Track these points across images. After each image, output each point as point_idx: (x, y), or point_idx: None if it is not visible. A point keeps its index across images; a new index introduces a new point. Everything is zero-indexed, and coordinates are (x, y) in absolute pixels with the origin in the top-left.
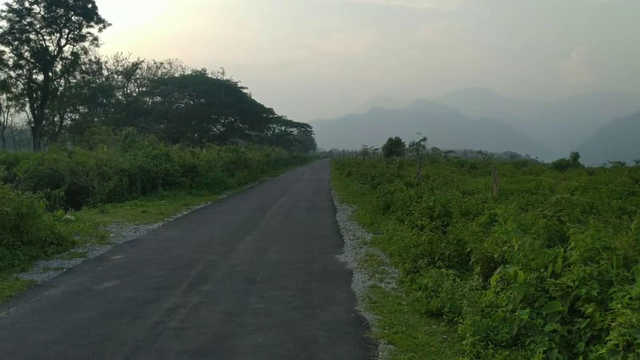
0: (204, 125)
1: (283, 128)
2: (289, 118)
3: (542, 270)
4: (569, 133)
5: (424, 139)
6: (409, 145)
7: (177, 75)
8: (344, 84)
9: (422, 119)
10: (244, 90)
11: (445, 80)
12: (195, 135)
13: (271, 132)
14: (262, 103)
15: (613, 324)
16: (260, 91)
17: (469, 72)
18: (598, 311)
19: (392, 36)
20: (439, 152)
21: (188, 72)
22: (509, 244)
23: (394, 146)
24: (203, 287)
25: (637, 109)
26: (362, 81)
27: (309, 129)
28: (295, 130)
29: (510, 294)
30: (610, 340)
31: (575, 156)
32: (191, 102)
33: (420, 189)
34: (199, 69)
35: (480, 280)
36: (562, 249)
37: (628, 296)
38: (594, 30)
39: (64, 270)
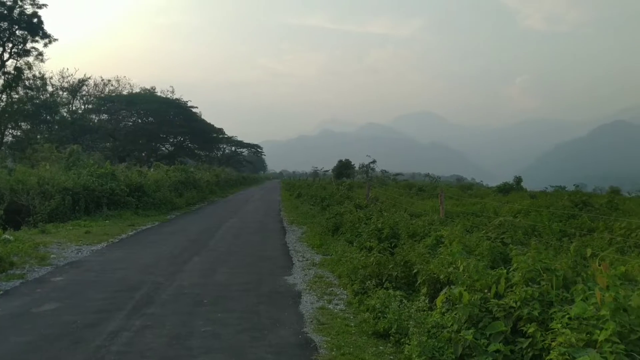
0: (153, 144)
1: (233, 148)
2: (239, 138)
3: (486, 291)
4: (512, 158)
5: (373, 162)
6: (359, 168)
7: (125, 93)
8: (295, 106)
9: (371, 142)
10: (194, 110)
11: (395, 104)
12: (143, 154)
13: (221, 153)
14: (212, 123)
15: (553, 344)
16: (211, 111)
17: (417, 96)
18: (539, 331)
19: (342, 60)
20: (388, 175)
21: (137, 90)
22: (454, 265)
23: (344, 168)
24: (148, 310)
25: (575, 135)
26: (313, 103)
27: (260, 150)
28: (245, 151)
29: (456, 314)
30: (551, 359)
31: (519, 180)
32: (139, 121)
33: (369, 211)
34: (148, 87)
35: (427, 301)
36: (505, 271)
37: (567, 316)
38: (536, 60)
39: (1, 292)
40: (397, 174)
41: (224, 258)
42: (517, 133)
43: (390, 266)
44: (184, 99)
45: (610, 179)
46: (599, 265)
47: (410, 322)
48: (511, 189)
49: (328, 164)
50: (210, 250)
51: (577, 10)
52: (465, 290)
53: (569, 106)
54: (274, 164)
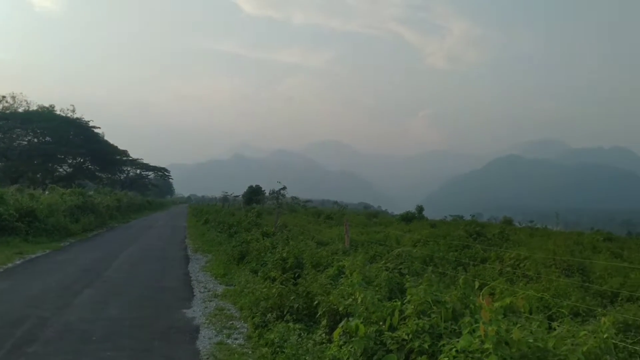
0: (49, 165)
1: (138, 171)
2: (145, 161)
3: (381, 323)
4: (416, 187)
5: (284, 188)
6: (269, 194)
7: (20, 110)
8: (206, 130)
9: (282, 168)
10: (97, 130)
11: (306, 132)
12: (38, 175)
13: (125, 175)
14: (117, 144)
15: None
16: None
17: (327, 125)
18: None
19: (255, 86)
20: (298, 202)
21: (34, 107)
22: (353, 297)
23: (254, 194)
24: (29, 349)
25: (472, 167)
26: (224, 128)
27: (167, 173)
28: (151, 174)
29: (352, 347)
30: None
31: (420, 209)
32: (35, 140)
33: (275, 239)
34: (47, 105)
35: (327, 333)
36: (400, 303)
37: (454, 349)
38: (438, 95)
39: None
40: (307, 201)
41: (118, 290)
42: (420, 164)
43: (292, 297)
44: (86, 118)
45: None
46: (483, 299)
47: (307, 357)
48: (413, 217)
49: (239, 190)
50: (105, 281)
51: (474, 52)
52: (361, 322)
53: (468, 140)
54: (182, 188)
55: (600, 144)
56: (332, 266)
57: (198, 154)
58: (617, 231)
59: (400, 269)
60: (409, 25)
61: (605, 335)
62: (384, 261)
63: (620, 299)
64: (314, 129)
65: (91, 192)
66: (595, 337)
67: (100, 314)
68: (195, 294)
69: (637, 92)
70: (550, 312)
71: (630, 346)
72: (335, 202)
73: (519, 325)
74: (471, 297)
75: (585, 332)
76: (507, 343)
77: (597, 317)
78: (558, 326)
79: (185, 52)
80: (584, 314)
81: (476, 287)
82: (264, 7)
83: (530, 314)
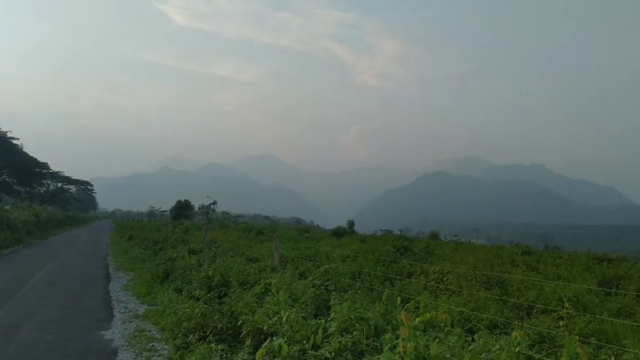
0: None
1: (59, 185)
2: (67, 174)
3: (304, 342)
4: (348, 201)
5: (214, 203)
6: (199, 209)
7: None
8: (133, 142)
9: (213, 182)
10: (15, 141)
11: (238, 146)
12: None
13: (45, 189)
14: (36, 156)
15: None
16: (38, 143)
17: (260, 139)
18: None
19: (186, 98)
20: (229, 216)
21: None
22: (279, 316)
23: (182, 209)
24: None
25: (402, 183)
26: (153, 140)
27: (90, 187)
28: (73, 188)
29: None
30: None
31: (351, 224)
32: None
33: (202, 257)
34: None
35: (249, 354)
36: (324, 320)
37: None
38: (369, 111)
39: None
40: (238, 216)
41: (33, 311)
42: (353, 178)
43: (216, 317)
44: (4, 128)
45: (431, 224)
46: (403, 315)
47: None
48: (344, 232)
49: (166, 204)
50: (18, 301)
51: (404, 70)
52: (285, 342)
53: (398, 156)
54: (106, 202)
55: (520, 161)
56: (259, 284)
57: (124, 167)
58: (535, 244)
59: (327, 285)
60: (341, 42)
61: (517, 349)
62: (311, 278)
63: (535, 311)
64: (247, 143)
65: (7, 207)
66: (507, 351)
67: (11, 337)
68: (115, 314)
69: (553, 112)
70: (470, 325)
71: (543, 358)
72: (267, 217)
73: (437, 340)
74: (393, 313)
75: (498, 346)
76: (425, 359)
77: (514, 329)
78: (478, 339)
79: (113, 61)
80: (502, 326)
81: (398, 302)
82: (195, 19)
83: (452, 327)
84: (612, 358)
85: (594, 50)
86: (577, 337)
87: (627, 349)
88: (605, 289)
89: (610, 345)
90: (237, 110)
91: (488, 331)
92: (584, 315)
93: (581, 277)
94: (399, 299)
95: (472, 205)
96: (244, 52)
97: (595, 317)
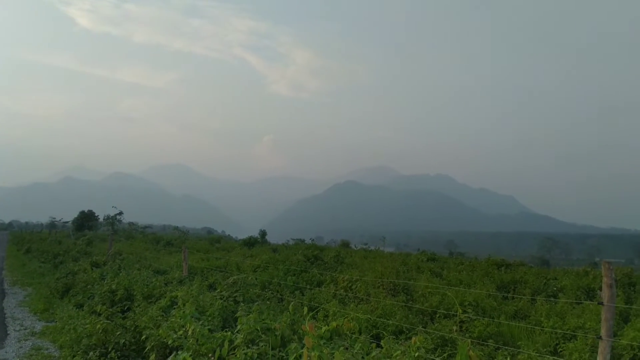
0: None
1: None
2: None
3: (210, 355)
4: (262, 211)
5: (120, 213)
6: (104, 219)
7: None
8: (30, 150)
9: (120, 192)
10: None
11: (147, 155)
12: None
13: None
14: None
15: None
16: None
17: (170, 147)
18: None
19: (92, 104)
20: (136, 227)
21: None
22: (184, 329)
23: (86, 220)
24: None
25: (315, 192)
26: (53, 148)
27: None
28: None
29: None
30: None
31: (263, 234)
32: None
33: (106, 270)
34: None
35: None
36: (230, 333)
37: None
38: (282, 121)
39: None
40: (147, 227)
41: None
42: (266, 187)
43: (119, 333)
44: None
45: (342, 233)
46: (307, 325)
47: None
48: (256, 242)
49: (69, 215)
50: None
51: (317, 81)
52: (190, 355)
53: (311, 165)
54: (2, 213)
55: (427, 171)
56: (165, 297)
57: (20, 176)
58: (440, 251)
59: (236, 296)
60: (254, 51)
61: (416, 354)
62: (219, 289)
63: (438, 316)
64: (156, 152)
65: None
66: (407, 356)
67: None
68: (9, 332)
69: (457, 124)
70: (376, 332)
71: (437, 359)
72: (177, 228)
73: (342, 348)
74: (300, 323)
75: (399, 351)
76: None
77: (416, 334)
78: (383, 345)
79: (10, 64)
80: (407, 332)
81: (305, 312)
82: (102, 23)
83: (360, 334)
84: (508, 359)
85: (492, 67)
86: (470, 340)
87: (521, 350)
88: (502, 293)
89: (506, 347)
90: (147, 118)
91: (393, 337)
92: (482, 319)
93: (481, 282)
94: (305, 308)
95: (383, 213)
96: (154, 59)
97: (493, 320)
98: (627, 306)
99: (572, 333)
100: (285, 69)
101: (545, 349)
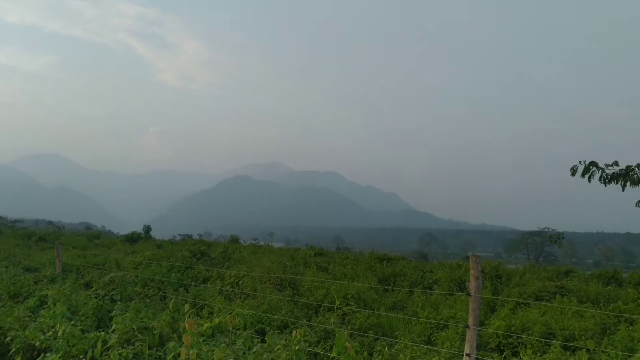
0: None
1: None
2: None
3: (82, 357)
4: (147, 206)
5: None
6: None
7: None
8: None
9: None
10: None
11: (17, 143)
12: None
13: None
14: None
15: None
16: None
17: (44, 136)
18: None
19: None
20: (5, 221)
21: None
22: (54, 330)
23: None
24: None
25: (204, 187)
26: None
27: None
28: None
29: None
30: None
31: (147, 229)
32: None
33: None
34: None
35: None
36: (104, 333)
37: None
38: (170, 112)
39: None
40: (17, 221)
41: None
42: (152, 181)
43: None
44: None
45: (232, 228)
46: (187, 323)
47: None
48: (139, 238)
49: None
50: None
51: (207, 73)
52: (60, 357)
53: (200, 159)
54: None
55: (317, 168)
56: (34, 296)
57: None
58: (328, 246)
59: (113, 295)
60: (141, 38)
61: (296, 347)
62: (94, 288)
63: (322, 309)
64: (27, 140)
65: None
66: (288, 350)
67: None
68: None
69: (346, 123)
70: (261, 327)
71: (323, 353)
72: (51, 222)
73: (222, 345)
74: (181, 321)
75: (279, 345)
76: None
77: (297, 328)
78: (267, 340)
79: None
80: (292, 326)
81: (186, 309)
82: None
83: (245, 330)
84: (386, 348)
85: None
86: (351, 331)
87: (398, 340)
88: (383, 286)
89: (384, 338)
90: (18, 104)
91: (278, 331)
92: (364, 311)
93: (364, 276)
94: (187, 305)
95: (273, 209)
96: (29, 40)
97: (373, 312)
98: (494, 297)
99: (444, 323)
100: (175, 58)
101: (420, 339)
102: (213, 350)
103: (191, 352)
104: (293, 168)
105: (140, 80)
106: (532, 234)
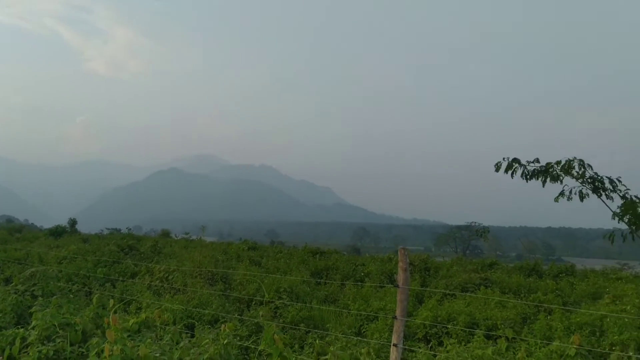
0: None
1: None
2: None
3: None
4: (72, 199)
5: None
6: None
7: None
8: None
9: None
10: None
11: None
12: None
13: None
14: None
15: None
16: None
17: None
18: None
19: None
20: None
21: None
22: None
23: None
24: None
25: (133, 179)
26: None
27: None
28: None
29: None
30: None
31: (73, 222)
32: None
33: None
34: None
35: None
36: (23, 329)
37: None
38: (98, 102)
39: None
40: None
41: None
42: (79, 173)
43: None
44: None
45: (164, 222)
46: (110, 318)
47: None
48: (64, 232)
49: None
50: None
51: (138, 61)
52: None
53: (129, 150)
54: None
55: (251, 161)
56: None
57: None
58: (262, 240)
59: (34, 290)
60: (68, 24)
61: (225, 341)
62: (14, 283)
63: (254, 303)
64: None
65: None
66: (216, 344)
67: None
68: None
69: (282, 116)
70: (191, 322)
71: (251, 345)
72: None
73: (149, 340)
74: (105, 316)
75: (208, 340)
76: None
77: (226, 322)
78: (196, 334)
79: None
80: (223, 320)
81: (111, 305)
82: None
83: (175, 325)
84: (317, 341)
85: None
86: (282, 325)
87: (329, 332)
88: (316, 279)
89: (316, 330)
90: None
91: (209, 326)
92: (296, 304)
93: (297, 269)
94: (112, 301)
95: (206, 202)
96: None
97: (305, 305)
98: (422, 288)
99: (374, 314)
100: (104, 46)
101: (350, 330)
102: (138, 346)
103: (115, 347)
104: (228, 161)
105: (67, 68)
106: (460, 228)
